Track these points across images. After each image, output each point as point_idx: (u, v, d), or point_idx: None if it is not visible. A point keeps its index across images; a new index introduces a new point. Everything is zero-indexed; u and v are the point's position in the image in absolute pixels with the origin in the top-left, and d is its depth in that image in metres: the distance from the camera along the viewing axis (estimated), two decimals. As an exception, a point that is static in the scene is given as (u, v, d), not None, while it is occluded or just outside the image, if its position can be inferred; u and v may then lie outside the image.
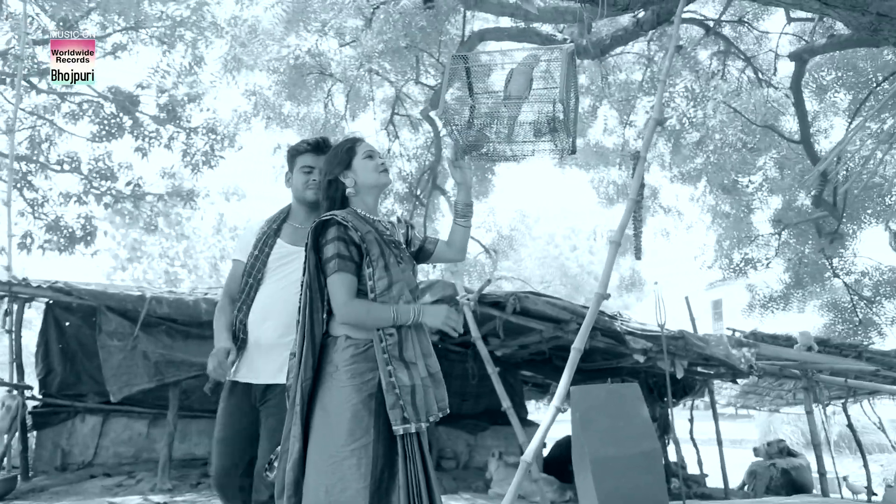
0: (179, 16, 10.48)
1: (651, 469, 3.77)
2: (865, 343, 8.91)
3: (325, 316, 2.57)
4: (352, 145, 2.76)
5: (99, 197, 11.65)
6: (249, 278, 2.78)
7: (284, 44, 10.23)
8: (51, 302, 6.93)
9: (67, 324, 7.18)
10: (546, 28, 7.78)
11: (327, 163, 2.72)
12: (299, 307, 2.57)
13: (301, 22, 9.82)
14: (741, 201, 10.77)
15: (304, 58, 9.94)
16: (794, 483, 10.09)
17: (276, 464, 2.50)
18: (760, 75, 10.13)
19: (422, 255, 2.87)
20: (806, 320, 10.43)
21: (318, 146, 2.88)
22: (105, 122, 11.32)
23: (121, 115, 11.36)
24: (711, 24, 10.01)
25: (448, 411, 2.57)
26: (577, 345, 3.97)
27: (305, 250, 2.67)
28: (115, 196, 11.64)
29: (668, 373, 5.11)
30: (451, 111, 2.75)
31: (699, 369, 6.87)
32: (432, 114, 9.74)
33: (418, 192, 10.42)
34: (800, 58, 5.99)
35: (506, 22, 8.74)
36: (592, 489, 3.69)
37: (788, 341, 8.56)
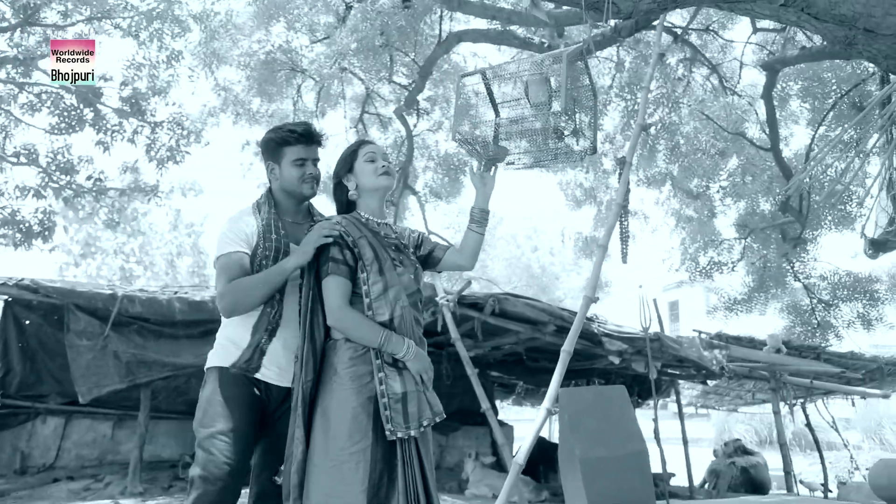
0: (148, 4, 10.22)
1: (639, 470, 3.83)
2: (823, 345, 9.22)
3: (323, 319, 2.57)
4: (355, 148, 2.79)
5: (58, 191, 11.28)
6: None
7: (255, 38, 10.09)
8: (10, 299, 6.69)
9: (27, 322, 6.94)
10: (523, 31, 7.83)
11: (335, 165, 2.80)
12: (299, 310, 2.57)
13: (273, 17, 9.70)
14: (705, 206, 11.02)
15: (276, 53, 9.82)
16: (752, 481, 10.38)
17: (282, 468, 2.48)
18: (725, 83, 10.39)
19: (430, 261, 2.88)
20: (767, 323, 10.73)
21: (308, 136, 2.71)
22: (65, 113, 10.96)
23: (81, 106, 11.02)
24: (679, 31, 10.23)
25: (444, 416, 2.57)
26: (567, 347, 3.99)
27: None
28: (76, 190, 11.28)
29: (653, 375, 5.20)
30: (465, 132, 2.77)
31: (670, 370, 7.01)
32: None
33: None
34: (772, 68, 6.17)
35: (480, 23, 8.77)
36: (582, 490, 3.73)
37: (752, 343, 8.79)
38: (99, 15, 10.78)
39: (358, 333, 2.45)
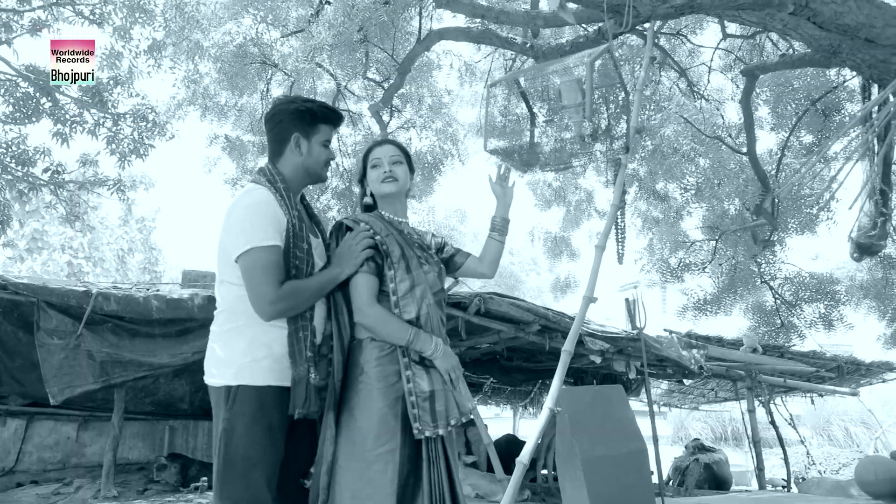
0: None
1: (639, 468, 3.88)
2: (787, 345, 9.49)
3: (349, 319, 2.54)
4: (366, 153, 2.78)
5: (11, 182, 10.81)
6: (301, 275, 2.33)
7: (225, 30, 9.86)
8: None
9: (-13, 320, 6.64)
10: (505, 31, 7.82)
11: (358, 167, 2.82)
12: (326, 309, 2.52)
13: (245, 8, 9.49)
14: (671, 207, 11.22)
15: (248, 46, 9.61)
16: (715, 477, 10.65)
17: (312, 470, 2.42)
18: (693, 87, 10.59)
19: (450, 266, 2.88)
20: (732, 323, 11.03)
21: (340, 119, 2.57)
22: (20, 102, 10.50)
23: (38, 96, 10.58)
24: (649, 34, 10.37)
25: (471, 416, 2.55)
26: (568, 347, 4.00)
27: (328, 250, 2.64)
28: (31, 183, 10.83)
29: (632, 373, 5.27)
30: (497, 144, 2.77)
31: (650, 370, 7.11)
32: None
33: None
34: (752, 74, 6.31)
35: (459, 21, 8.74)
36: (584, 489, 3.75)
37: (720, 342, 9.01)
38: (59, 1, 10.38)
39: (387, 330, 2.41)
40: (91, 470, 7.14)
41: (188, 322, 6.05)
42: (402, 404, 2.39)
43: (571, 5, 2.76)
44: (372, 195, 2.73)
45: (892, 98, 4.19)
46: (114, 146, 10.77)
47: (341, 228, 2.63)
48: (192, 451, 7.70)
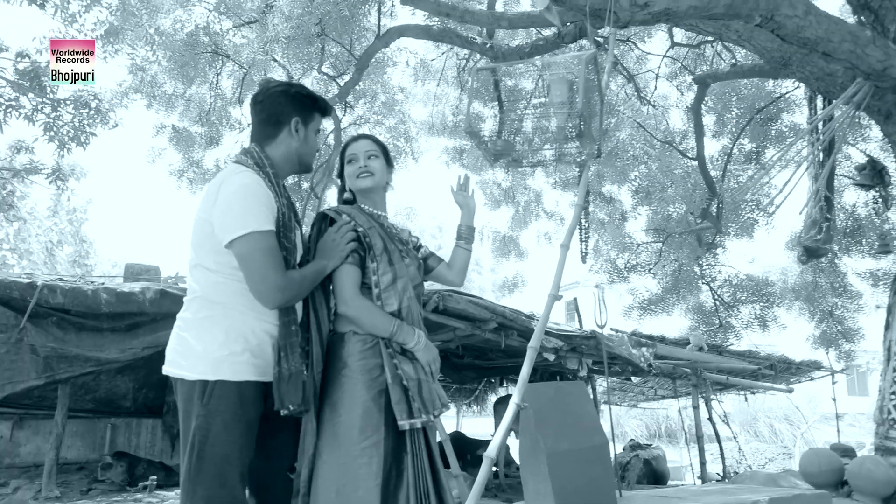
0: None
1: (601, 462, 3.97)
2: (725, 344, 9.89)
3: (328, 312, 2.54)
4: (344, 148, 2.78)
5: (-61, 169, 10.27)
6: (289, 266, 2.25)
7: (176, 17, 9.59)
8: None
9: None
10: (464, 30, 7.88)
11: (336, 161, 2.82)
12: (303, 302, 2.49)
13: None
14: (617, 210, 11.53)
15: (199, 34, 9.38)
16: (654, 472, 10.98)
17: (296, 465, 2.41)
18: (640, 92, 10.90)
19: (424, 268, 2.89)
20: (672, 322, 11.40)
21: (332, 111, 2.64)
22: (-51, 84, 9.96)
23: (-31, 78, 10.05)
24: (601, 40, 10.64)
25: (450, 407, 2.59)
26: (534, 343, 4.07)
27: (308, 241, 2.62)
28: (-39, 169, 10.31)
29: (606, 371, 5.39)
30: (476, 125, 2.79)
31: (601, 368, 7.27)
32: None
33: (314, 185, 10.15)
34: (703, 82, 6.56)
35: (418, 18, 8.75)
36: (548, 483, 3.83)
37: (662, 340, 9.30)
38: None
39: (371, 322, 2.42)
40: (26, 470, 6.85)
41: (138, 316, 5.87)
42: (384, 397, 2.39)
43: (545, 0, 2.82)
44: (351, 190, 2.74)
45: (837, 113, 4.43)
46: (52, 133, 10.34)
47: (325, 220, 2.61)
48: (136, 449, 7.47)
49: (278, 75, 11.26)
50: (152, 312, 5.83)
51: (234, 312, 2.15)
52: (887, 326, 4.34)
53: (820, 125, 4.77)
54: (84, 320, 5.71)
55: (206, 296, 2.18)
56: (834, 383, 10.20)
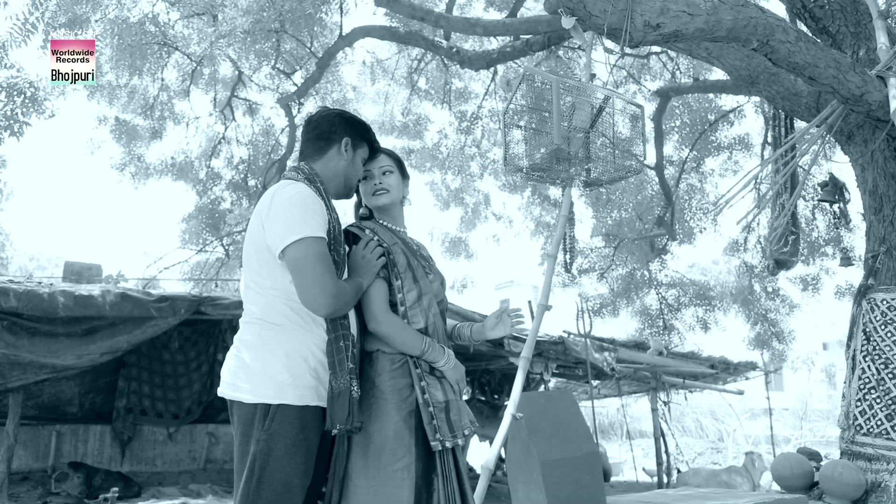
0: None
1: (592, 470, 4.06)
2: (670, 347, 10.24)
3: (359, 331, 2.49)
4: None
5: None
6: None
7: (122, 2, 9.17)
8: None
9: None
10: (429, 32, 7.86)
11: None
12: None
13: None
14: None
15: (146, 24, 9.00)
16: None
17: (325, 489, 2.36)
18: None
19: None
20: (620, 325, 11.71)
21: (380, 151, 2.57)
22: None
23: None
24: (553, 48, 10.83)
25: (477, 426, 2.59)
26: (526, 353, 4.15)
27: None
28: None
29: (590, 375, 5.48)
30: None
31: (563, 372, 7.42)
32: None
33: (264, 184, 9.94)
34: (665, 95, 6.78)
35: (379, 18, 8.67)
36: (541, 491, 3.88)
37: (612, 343, 9.57)
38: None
39: (402, 339, 2.37)
40: (-36, 483, 6.41)
41: (96, 320, 5.59)
42: (415, 418, 2.35)
43: (570, 19, 2.85)
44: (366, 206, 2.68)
45: (809, 134, 4.66)
46: (-19, 121, 9.71)
47: (348, 236, 2.56)
48: (83, 457, 7.09)
49: (226, 69, 10.96)
50: (111, 316, 5.57)
51: (294, 335, 2.12)
52: (851, 336, 4.60)
53: (796, 145, 5.02)
54: (38, 325, 5.39)
55: (264, 317, 2.13)
56: (768, 383, 10.72)
